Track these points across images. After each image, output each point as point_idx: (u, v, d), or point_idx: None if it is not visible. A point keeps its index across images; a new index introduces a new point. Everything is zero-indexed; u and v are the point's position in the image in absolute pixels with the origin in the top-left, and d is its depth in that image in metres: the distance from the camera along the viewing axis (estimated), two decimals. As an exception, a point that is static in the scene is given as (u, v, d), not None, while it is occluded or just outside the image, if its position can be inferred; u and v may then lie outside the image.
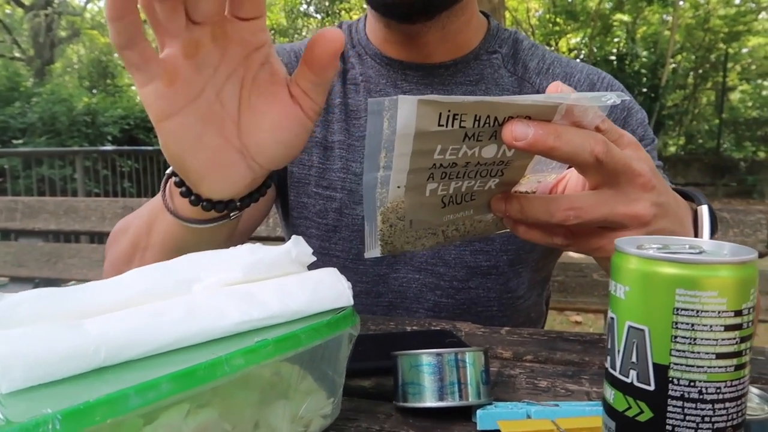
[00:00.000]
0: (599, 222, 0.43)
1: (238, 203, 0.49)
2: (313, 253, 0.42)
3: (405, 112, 0.36)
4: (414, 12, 0.69)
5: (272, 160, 0.47)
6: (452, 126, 0.37)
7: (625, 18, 11.77)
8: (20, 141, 7.01)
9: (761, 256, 1.15)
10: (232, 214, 0.50)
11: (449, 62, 0.77)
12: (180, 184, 0.48)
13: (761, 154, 11.61)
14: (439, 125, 0.37)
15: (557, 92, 0.44)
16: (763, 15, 12.98)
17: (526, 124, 0.38)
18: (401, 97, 0.35)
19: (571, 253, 0.49)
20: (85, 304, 0.34)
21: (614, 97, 0.39)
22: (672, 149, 12.39)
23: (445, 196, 0.45)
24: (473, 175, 0.43)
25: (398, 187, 0.41)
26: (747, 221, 1.18)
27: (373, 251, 0.47)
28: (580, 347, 0.61)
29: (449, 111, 0.36)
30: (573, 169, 0.46)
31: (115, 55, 13.80)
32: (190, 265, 0.38)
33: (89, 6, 16.44)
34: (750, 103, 13.27)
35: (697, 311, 0.27)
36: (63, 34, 13.85)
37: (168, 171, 0.51)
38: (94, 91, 10.89)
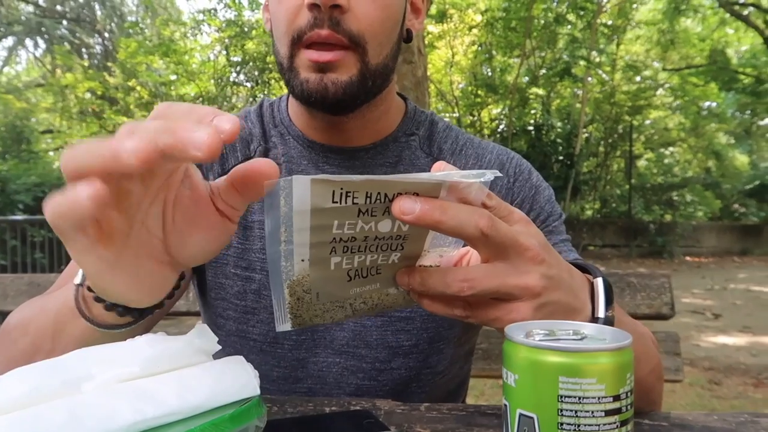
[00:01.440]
0: (493, 293, 0.45)
1: (165, 300, 0.47)
2: (230, 336, 0.41)
3: (299, 191, 0.38)
4: (336, 106, 0.71)
5: (199, 261, 0.47)
6: (346, 202, 0.40)
7: (540, 92, 12.64)
8: None
9: (666, 318, 1.22)
10: (156, 310, 0.48)
11: (369, 146, 0.79)
12: (101, 299, 0.45)
13: (668, 217, 12.50)
14: (333, 202, 0.39)
15: (441, 171, 0.47)
16: (660, 91, 14.31)
17: (413, 200, 0.41)
18: (295, 178, 0.38)
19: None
20: (-43, 412, 0.31)
21: (490, 174, 0.43)
22: (589, 213, 13.13)
23: (350, 270, 0.46)
24: (374, 248, 0.45)
25: (302, 260, 0.43)
26: (652, 285, 1.25)
27: (284, 325, 0.46)
28: (497, 421, 0.61)
29: (342, 189, 0.39)
30: None
31: (33, 119, 13.30)
32: (80, 362, 0.36)
33: (6, 69, 15.92)
34: (655, 170, 14.39)
35: (579, 398, 0.28)
36: (-24, 98, 13.25)
37: (77, 281, 0.49)
38: (7, 156, 10.37)
